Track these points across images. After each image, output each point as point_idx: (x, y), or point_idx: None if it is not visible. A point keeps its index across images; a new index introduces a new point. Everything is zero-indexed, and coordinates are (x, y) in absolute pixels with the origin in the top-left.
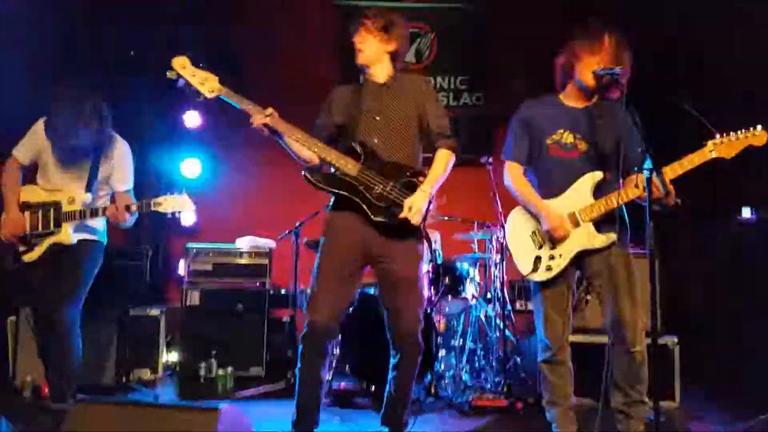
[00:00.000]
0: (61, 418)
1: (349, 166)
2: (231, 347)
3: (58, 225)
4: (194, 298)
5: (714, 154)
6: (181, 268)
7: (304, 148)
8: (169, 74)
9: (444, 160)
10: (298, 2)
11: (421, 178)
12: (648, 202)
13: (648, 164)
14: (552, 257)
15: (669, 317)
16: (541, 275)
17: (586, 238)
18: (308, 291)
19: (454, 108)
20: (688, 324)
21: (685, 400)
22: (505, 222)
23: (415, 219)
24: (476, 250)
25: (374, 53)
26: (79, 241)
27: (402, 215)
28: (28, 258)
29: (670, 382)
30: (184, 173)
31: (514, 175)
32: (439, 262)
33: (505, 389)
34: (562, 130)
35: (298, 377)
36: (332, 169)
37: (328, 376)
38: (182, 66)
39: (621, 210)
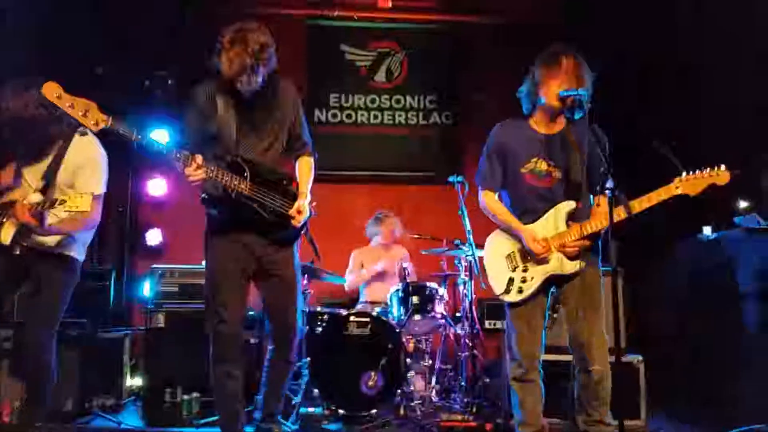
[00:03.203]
0: None
1: (242, 186)
2: (197, 371)
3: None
4: (159, 320)
5: (679, 191)
6: (146, 290)
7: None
8: (45, 101)
9: (311, 166)
10: (265, 19)
11: (294, 183)
12: (610, 222)
13: (609, 184)
14: (524, 280)
15: (634, 335)
16: (512, 296)
17: (558, 263)
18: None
19: (424, 127)
20: (652, 342)
21: (650, 419)
22: (470, 241)
23: (300, 221)
24: (445, 268)
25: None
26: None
27: (294, 222)
28: None
29: (635, 401)
30: (150, 192)
31: (489, 202)
32: (408, 281)
33: (474, 410)
34: (535, 159)
35: (215, 395)
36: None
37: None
38: (57, 96)
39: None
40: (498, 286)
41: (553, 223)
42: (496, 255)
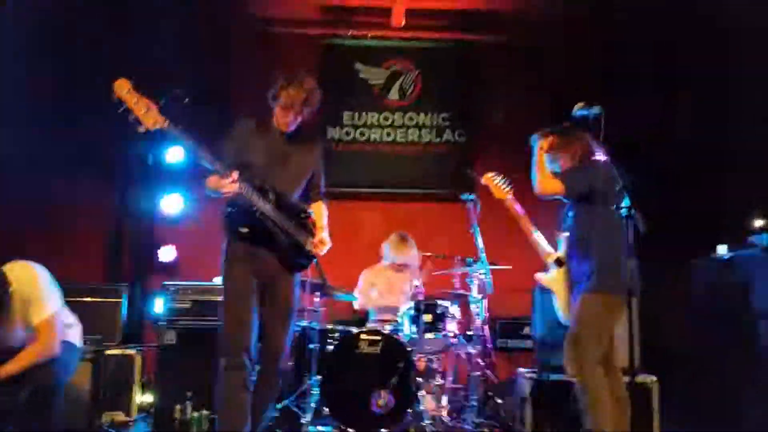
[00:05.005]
0: None
1: (267, 207)
2: (207, 389)
3: None
4: (171, 337)
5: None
6: (159, 307)
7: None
8: (114, 97)
9: (324, 209)
10: (280, 38)
11: (310, 219)
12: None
13: (626, 202)
14: None
15: (647, 355)
16: None
17: None
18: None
19: (437, 144)
20: (666, 362)
21: None
22: (482, 259)
23: (322, 251)
24: (457, 286)
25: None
26: None
27: (317, 250)
28: None
29: (649, 421)
30: (164, 210)
31: None
32: (420, 299)
33: (486, 430)
34: None
35: (221, 407)
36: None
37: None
38: (126, 91)
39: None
40: None
41: None
42: None
